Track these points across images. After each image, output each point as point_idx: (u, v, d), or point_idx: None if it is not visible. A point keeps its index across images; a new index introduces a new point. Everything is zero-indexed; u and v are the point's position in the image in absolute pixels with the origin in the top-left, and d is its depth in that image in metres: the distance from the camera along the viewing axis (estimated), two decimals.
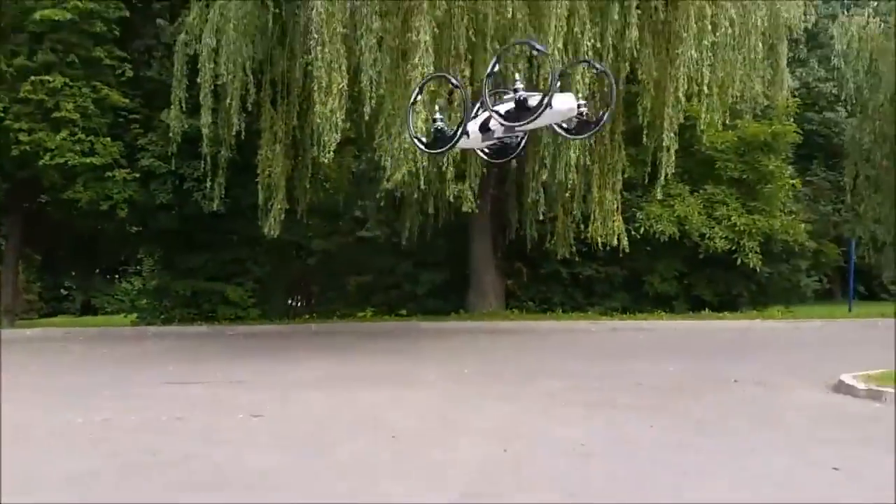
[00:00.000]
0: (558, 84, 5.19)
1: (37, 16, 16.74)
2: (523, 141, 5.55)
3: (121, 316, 23.96)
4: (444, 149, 5.66)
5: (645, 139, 17.19)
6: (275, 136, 17.63)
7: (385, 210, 21.77)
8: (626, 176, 18.38)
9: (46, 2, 17.07)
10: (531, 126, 5.16)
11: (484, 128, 5.39)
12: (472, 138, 5.46)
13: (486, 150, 5.65)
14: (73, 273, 27.58)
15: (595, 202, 17.73)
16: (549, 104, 4.86)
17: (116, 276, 29.60)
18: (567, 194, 18.05)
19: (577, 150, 15.62)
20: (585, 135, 5.70)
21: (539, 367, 12.27)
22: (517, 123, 5.04)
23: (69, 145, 17.61)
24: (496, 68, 5.48)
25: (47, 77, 17.11)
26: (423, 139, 5.80)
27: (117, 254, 25.94)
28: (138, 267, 26.32)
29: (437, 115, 5.41)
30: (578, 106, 5.07)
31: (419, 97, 6.03)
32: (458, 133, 5.26)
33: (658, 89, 16.26)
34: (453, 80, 6.14)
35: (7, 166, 17.85)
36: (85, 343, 17.37)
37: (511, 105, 5.05)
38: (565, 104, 5.04)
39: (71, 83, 17.59)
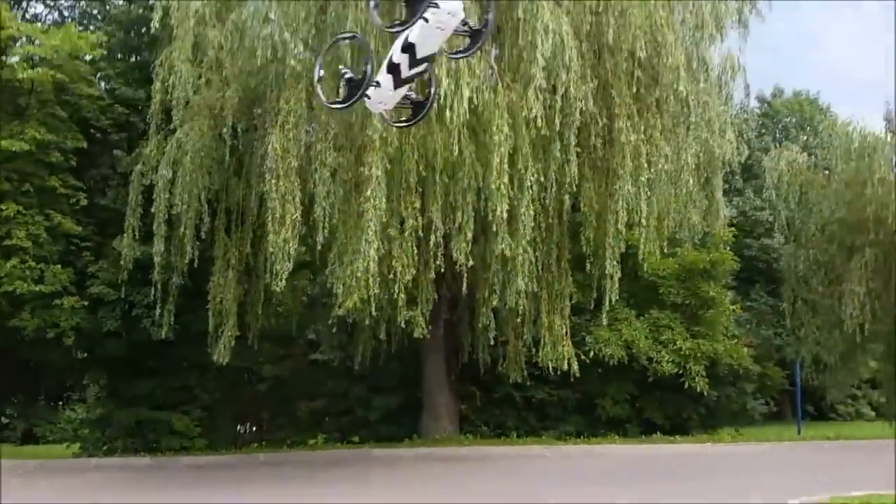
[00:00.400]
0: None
1: None
2: (432, 96, 6.56)
3: (63, 446, 23.03)
4: (357, 96, 6.12)
5: (589, 267, 17.76)
6: (228, 263, 17.79)
7: (338, 334, 21.77)
8: (573, 301, 18.82)
9: (2, 132, 17.35)
10: (422, 44, 5.79)
11: (391, 68, 5.98)
12: (385, 87, 6.04)
13: (400, 118, 6.75)
14: (15, 400, 26.62)
15: (545, 327, 18.02)
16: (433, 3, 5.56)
17: (60, 403, 28.65)
18: (517, 319, 18.33)
19: (526, 277, 16.05)
20: (475, 46, 6.34)
21: (491, 498, 12.13)
22: (407, 29, 5.75)
23: (19, 273, 17.48)
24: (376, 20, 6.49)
25: (0, 205, 17.17)
26: (337, 101, 6.49)
27: (62, 381, 25.26)
28: (83, 394, 25.56)
29: (343, 68, 6.15)
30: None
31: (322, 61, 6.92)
32: (367, 74, 5.95)
33: (600, 220, 16.97)
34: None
35: None
36: (24, 476, 16.62)
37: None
38: (449, 4, 5.65)
39: (24, 211, 17.67)
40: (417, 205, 15.10)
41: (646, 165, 15.88)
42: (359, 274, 14.60)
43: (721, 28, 17.03)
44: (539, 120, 14.32)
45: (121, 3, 20.52)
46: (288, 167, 14.78)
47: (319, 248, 15.77)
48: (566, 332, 18.22)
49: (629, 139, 15.75)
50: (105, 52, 18.84)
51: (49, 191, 18.26)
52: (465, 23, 5.88)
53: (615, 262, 16.69)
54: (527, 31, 14.02)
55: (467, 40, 6.29)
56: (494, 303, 16.98)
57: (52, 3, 20.35)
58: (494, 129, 14.29)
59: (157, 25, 16.11)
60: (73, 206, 18.76)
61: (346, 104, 6.50)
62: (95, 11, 20.70)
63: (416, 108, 6.72)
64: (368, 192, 14.44)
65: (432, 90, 6.64)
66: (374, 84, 6.02)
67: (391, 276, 15.07)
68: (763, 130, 34.68)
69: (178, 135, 16.78)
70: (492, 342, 18.81)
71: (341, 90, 6.42)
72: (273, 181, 14.75)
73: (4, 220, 17.33)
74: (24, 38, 17.88)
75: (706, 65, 17.58)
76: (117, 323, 18.97)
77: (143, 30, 18.57)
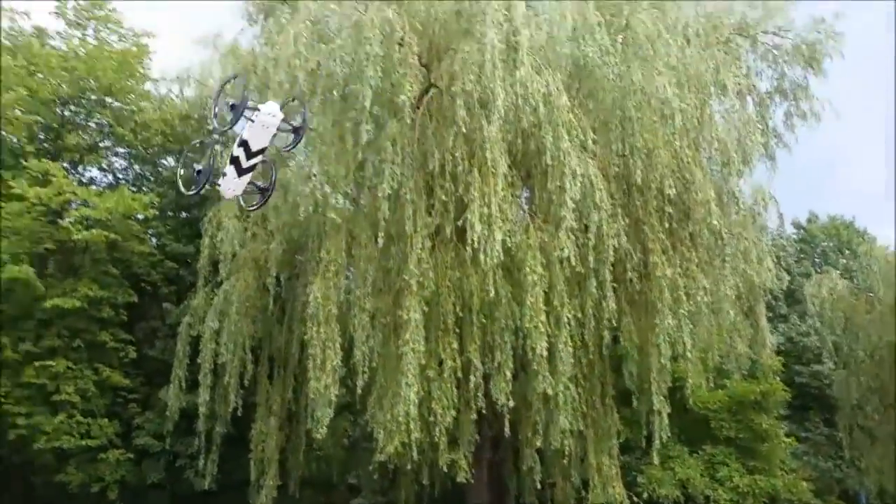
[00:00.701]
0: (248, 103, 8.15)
1: (47, 304, 17.71)
2: (273, 182, 8.80)
3: None
4: (203, 183, 8.29)
5: (635, 403, 17.39)
6: (269, 409, 17.93)
7: (380, 479, 21.29)
8: (621, 439, 18.30)
9: (56, 290, 18.14)
10: (254, 140, 7.99)
11: (233, 160, 8.07)
12: (230, 176, 8.21)
13: (247, 201, 8.91)
14: None
15: (593, 468, 17.44)
16: (251, 108, 7.91)
17: None
18: (563, 460, 17.77)
19: (570, 416, 15.74)
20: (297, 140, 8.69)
21: None
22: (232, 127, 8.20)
23: (66, 428, 17.70)
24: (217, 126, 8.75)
25: (50, 362, 17.67)
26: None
27: None
28: None
29: (196, 163, 8.57)
30: (281, 107, 8.09)
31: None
32: (210, 167, 8.26)
33: (642, 354, 16.79)
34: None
35: (1, 450, 17.78)
36: None
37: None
38: (267, 108, 7.98)
39: (73, 367, 18.12)
40: (455, 346, 15.16)
41: (684, 298, 15.84)
42: (399, 418, 14.50)
43: (748, 162, 17.37)
44: (572, 259, 14.56)
45: (172, 164, 21.86)
46: (328, 314, 15.08)
47: (360, 391, 15.78)
48: (616, 473, 17.61)
49: (665, 273, 15.81)
50: (157, 212, 19.89)
51: (99, 345, 18.79)
52: (286, 122, 8.14)
53: (662, 397, 16.33)
54: (555, 177, 14.53)
55: (291, 136, 8.55)
56: (538, 443, 16.59)
57: (106, 167, 21.69)
58: (528, 269, 14.54)
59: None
60: (122, 358, 19.20)
61: (197, 190, 8.72)
62: (148, 173, 22.04)
63: (263, 193, 8.89)
64: (407, 336, 14.59)
65: (273, 177, 8.88)
66: (223, 174, 8.27)
67: (432, 418, 14.94)
68: (802, 255, 34.44)
69: (225, 286, 17.38)
70: (538, 484, 18.23)
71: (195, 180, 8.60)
72: (314, 328, 15.02)
73: (54, 376, 17.74)
74: (79, 201, 18.99)
75: (737, 198, 17.79)
76: (161, 475, 18.95)
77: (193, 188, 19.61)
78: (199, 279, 18.50)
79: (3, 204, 17.69)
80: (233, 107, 8.00)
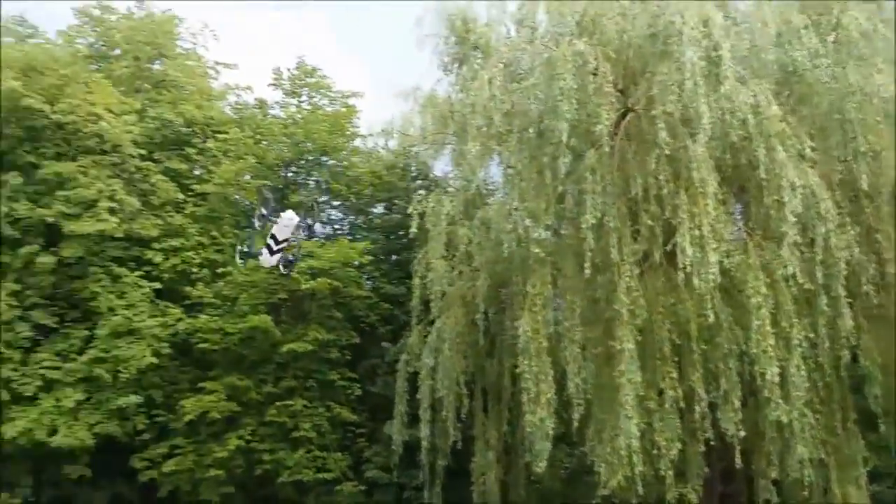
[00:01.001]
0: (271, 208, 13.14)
1: (283, 349, 19.42)
2: (296, 258, 14.01)
3: None
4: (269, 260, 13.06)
5: (883, 427, 15.79)
6: (487, 442, 18.28)
7: None
8: (869, 467, 16.66)
9: (289, 336, 19.83)
10: (279, 234, 12.60)
11: (266, 245, 12.73)
12: (265, 255, 12.89)
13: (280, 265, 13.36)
14: None
15: (838, 498, 16.04)
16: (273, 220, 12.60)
17: None
18: (804, 491, 16.49)
19: (808, 444, 14.64)
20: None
21: None
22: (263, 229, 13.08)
23: (305, 462, 19.18)
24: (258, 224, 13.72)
25: (289, 402, 19.29)
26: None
27: None
28: None
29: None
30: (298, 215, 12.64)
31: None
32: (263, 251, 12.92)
33: (886, 373, 15.27)
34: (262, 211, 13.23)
35: (249, 485, 19.59)
36: None
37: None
38: (286, 216, 12.44)
39: (309, 404, 19.65)
40: (675, 374, 14.63)
41: None
42: (621, 451, 14.20)
43: None
44: (798, 275, 13.66)
45: (381, 212, 23.27)
46: (539, 347, 15.15)
47: (576, 423, 15.65)
48: None
49: None
50: (371, 257, 21.22)
51: (329, 384, 20.28)
52: (302, 221, 12.74)
53: None
54: (771, 190, 13.73)
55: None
56: (774, 474, 15.51)
57: (325, 220, 23.48)
58: (751, 290, 13.80)
59: (415, 229, 17.96)
60: (349, 395, 20.53)
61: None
62: (360, 222, 23.62)
63: (289, 265, 13.76)
64: (622, 366, 14.29)
65: (297, 255, 14.07)
66: (260, 253, 13.05)
67: (655, 451, 14.48)
68: None
69: (437, 324, 18.07)
70: None
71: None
72: (526, 361, 15.15)
73: (292, 414, 19.33)
74: (304, 253, 20.77)
75: None
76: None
77: (402, 233, 20.74)
78: (412, 318, 19.36)
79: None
80: (262, 216, 13.18)
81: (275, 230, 12.58)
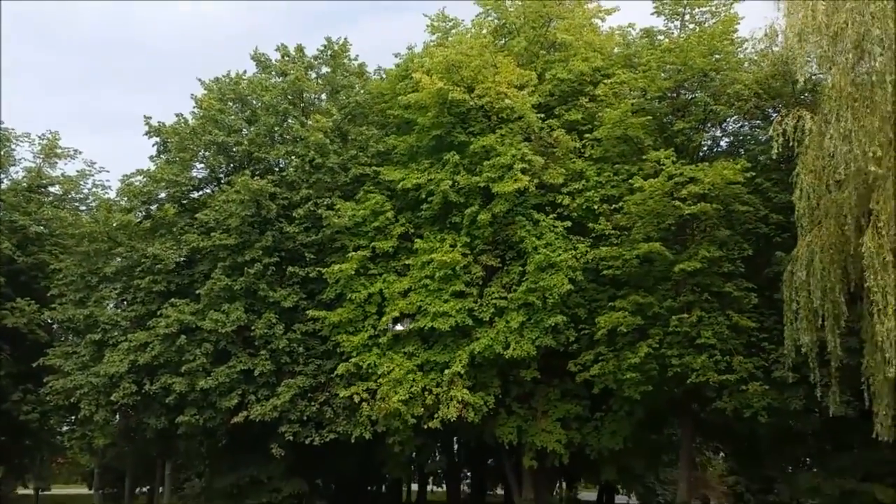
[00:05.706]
0: None
1: (675, 269, 21.76)
2: None
3: None
4: None
5: None
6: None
7: None
8: None
9: (681, 256, 22.04)
10: None
11: None
12: None
13: None
14: None
15: None
16: None
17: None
18: None
19: None
20: None
21: None
22: None
23: (710, 365, 21.50)
24: None
25: (685, 315, 21.71)
26: None
27: None
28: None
29: None
30: None
31: None
32: None
33: None
34: None
35: (666, 384, 22.75)
36: None
37: None
38: None
39: (707, 315, 21.77)
40: None
41: None
42: None
43: None
44: None
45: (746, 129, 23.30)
46: (884, 262, 14.91)
47: None
48: None
49: None
50: (752, 174, 21.92)
51: (725, 295, 22.02)
52: None
53: None
54: None
55: None
56: None
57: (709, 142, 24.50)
58: None
59: (776, 150, 18.70)
60: (746, 304, 21.96)
61: None
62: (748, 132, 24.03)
63: None
64: None
65: None
66: None
67: None
68: None
69: (808, 238, 18.39)
70: None
71: None
72: (871, 277, 15.12)
73: (692, 324, 21.71)
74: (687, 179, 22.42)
75: None
76: (801, 402, 21.18)
77: None
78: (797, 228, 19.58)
79: (628, 197, 22.46)
80: None
81: None
